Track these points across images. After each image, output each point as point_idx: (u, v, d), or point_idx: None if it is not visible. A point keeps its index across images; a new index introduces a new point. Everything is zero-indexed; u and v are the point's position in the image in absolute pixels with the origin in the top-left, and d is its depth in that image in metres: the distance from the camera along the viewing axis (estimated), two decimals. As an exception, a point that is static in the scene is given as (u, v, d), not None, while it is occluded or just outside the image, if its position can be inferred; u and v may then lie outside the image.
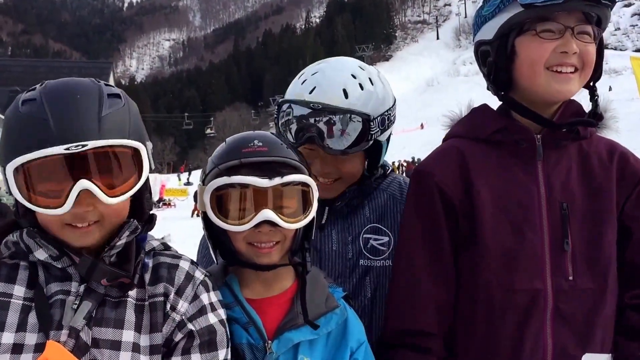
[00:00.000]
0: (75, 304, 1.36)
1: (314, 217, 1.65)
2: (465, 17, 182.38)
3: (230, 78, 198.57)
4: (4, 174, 1.31)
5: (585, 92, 1.81)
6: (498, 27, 1.73)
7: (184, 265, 1.52)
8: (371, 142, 1.92)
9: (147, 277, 1.48)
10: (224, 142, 1.67)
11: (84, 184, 1.29)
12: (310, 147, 1.91)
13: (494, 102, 1.88)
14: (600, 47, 1.75)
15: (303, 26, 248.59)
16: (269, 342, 1.57)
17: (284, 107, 1.96)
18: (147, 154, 1.40)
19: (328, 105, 1.88)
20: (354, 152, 1.91)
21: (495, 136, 1.79)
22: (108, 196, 1.32)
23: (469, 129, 1.87)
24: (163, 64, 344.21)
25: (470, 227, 1.73)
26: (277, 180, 1.53)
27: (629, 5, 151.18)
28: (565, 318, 1.67)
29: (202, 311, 1.48)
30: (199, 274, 1.53)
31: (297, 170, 1.58)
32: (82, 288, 1.37)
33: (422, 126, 78.61)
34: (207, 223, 1.66)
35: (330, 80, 1.93)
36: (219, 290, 1.61)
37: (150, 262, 1.50)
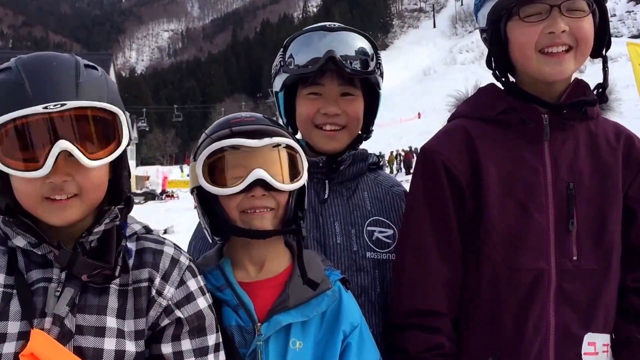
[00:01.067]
0: (58, 290, 1.32)
1: (304, 186, 1.66)
2: (462, 4, 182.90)
3: (229, 69, 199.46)
4: None
5: (595, 70, 1.80)
6: (487, 15, 1.75)
7: (169, 250, 1.50)
8: (378, 73, 1.96)
9: (131, 262, 1.44)
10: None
11: (63, 144, 1.24)
12: (315, 91, 1.93)
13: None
14: (604, 16, 1.71)
15: (300, 16, 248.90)
16: (258, 324, 1.57)
17: (289, 50, 1.98)
18: (127, 122, 1.37)
19: (342, 25, 1.95)
20: (367, 75, 1.93)
21: (502, 116, 1.77)
22: (88, 159, 1.27)
23: (475, 109, 1.86)
24: (162, 54, 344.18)
25: (476, 206, 1.73)
26: (267, 141, 1.55)
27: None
28: (568, 298, 1.68)
29: (189, 297, 1.47)
30: (184, 259, 1.51)
31: (285, 137, 1.61)
32: (63, 275, 1.34)
33: (419, 115, 79.03)
34: (201, 199, 1.66)
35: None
36: (212, 272, 1.63)
37: (133, 247, 1.47)
